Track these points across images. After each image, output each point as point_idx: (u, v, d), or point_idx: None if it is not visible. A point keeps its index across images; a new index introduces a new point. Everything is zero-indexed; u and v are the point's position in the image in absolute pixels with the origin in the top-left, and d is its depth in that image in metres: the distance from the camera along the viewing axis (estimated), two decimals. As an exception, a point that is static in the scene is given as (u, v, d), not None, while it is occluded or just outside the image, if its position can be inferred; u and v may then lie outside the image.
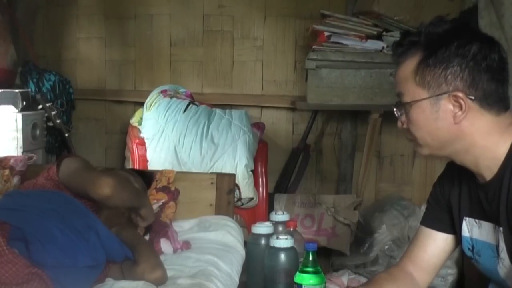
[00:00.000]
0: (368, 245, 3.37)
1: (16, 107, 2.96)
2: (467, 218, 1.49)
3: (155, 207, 2.27)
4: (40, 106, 3.08)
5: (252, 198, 3.09)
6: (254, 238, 1.83)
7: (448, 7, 3.23)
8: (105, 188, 1.75)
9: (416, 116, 1.38)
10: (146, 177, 2.27)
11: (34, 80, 3.34)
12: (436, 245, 1.57)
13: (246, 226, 2.83)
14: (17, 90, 3.01)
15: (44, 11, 3.82)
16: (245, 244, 2.07)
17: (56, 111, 3.12)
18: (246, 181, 3.05)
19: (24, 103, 2.99)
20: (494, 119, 1.35)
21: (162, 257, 1.90)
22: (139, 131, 3.21)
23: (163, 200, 2.32)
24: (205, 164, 3.04)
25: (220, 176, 2.51)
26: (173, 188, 2.38)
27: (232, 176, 2.54)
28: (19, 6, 3.53)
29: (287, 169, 3.68)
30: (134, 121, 3.31)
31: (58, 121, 3.11)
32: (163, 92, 3.29)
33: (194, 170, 2.97)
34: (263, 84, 3.78)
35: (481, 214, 1.44)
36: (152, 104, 3.21)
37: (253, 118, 3.55)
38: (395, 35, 3.21)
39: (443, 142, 1.38)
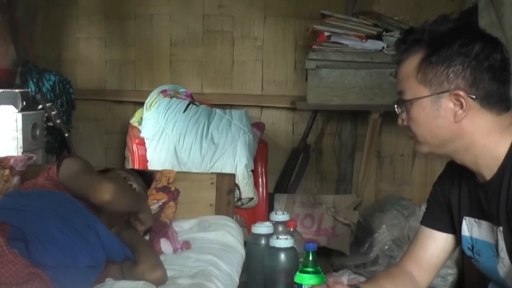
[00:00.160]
0: (368, 245, 3.36)
1: (16, 107, 2.96)
2: (467, 218, 1.49)
3: (155, 207, 2.27)
4: (40, 106, 3.08)
5: (252, 198, 3.09)
6: (254, 238, 1.83)
7: (448, 7, 3.23)
8: (105, 193, 1.75)
9: (416, 114, 1.38)
10: (146, 177, 2.27)
11: (34, 80, 3.34)
12: (436, 244, 1.57)
13: (246, 226, 2.83)
14: (17, 90, 3.01)
15: (44, 11, 3.82)
16: (245, 244, 2.07)
17: (56, 111, 3.12)
18: (246, 181, 3.05)
19: (24, 103, 2.99)
20: (495, 119, 1.35)
21: (162, 257, 1.90)
22: (139, 131, 3.21)
23: (163, 200, 2.32)
24: (205, 164, 3.04)
25: (220, 176, 2.51)
26: (173, 188, 2.38)
27: (232, 176, 2.54)
28: (19, 6, 3.53)
29: (287, 169, 3.68)
30: (134, 121, 3.31)
31: (58, 121, 3.11)
32: (163, 92, 3.29)
33: (194, 170, 2.97)
34: (263, 84, 3.78)
35: (480, 214, 1.45)
36: (152, 104, 3.21)
37: (253, 118, 3.55)
38: (395, 35, 3.21)
39: (443, 141, 1.38)
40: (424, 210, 1.64)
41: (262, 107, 3.79)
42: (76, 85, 3.73)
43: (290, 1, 3.72)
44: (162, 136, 3.11)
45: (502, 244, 1.38)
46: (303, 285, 1.51)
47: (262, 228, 1.83)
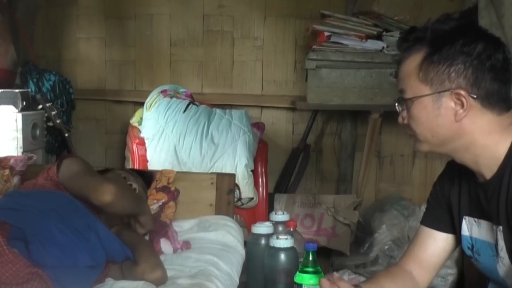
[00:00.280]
0: (368, 245, 3.37)
1: (16, 107, 2.96)
2: (466, 217, 1.49)
3: (155, 207, 2.27)
4: (40, 106, 3.08)
5: (252, 198, 3.09)
6: (254, 238, 1.83)
7: (448, 7, 3.23)
8: (106, 195, 1.74)
9: (417, 112, 1.38)
10: (146, 177, 2.27)
11: (34, 80, 3.34)
12: (436, 244, 1.57)
13: (246, 226, 2.83)
14: (17, 90, 3.01)
15: (44, 11, 3.82)
16: (245, 244, 2.07)
17: (56, 111, 3.11)
18: (246, 181, 3.05)
19: (24, 103, 2.99)
20: (496, 119, 1.35)
21: (162, 257, 1.90)
22: (139, 131, 3.21)
23: (163, 200, 2.32)
24: (205, 164, 3.04)
25: (220, 176, 2.51)
26: (173, 188, 2.38)
27: (232, 176, 2.54)
28: (19, 6, 3.52)
29: (287, 169, 3.68)
30: (134, 121, 3.31)
31: (58, 121, 3.11)
32: (163, 92, 3.29)
33: (194, 170, 2.97)
34: (263, 84, 3.78)
35: (480, 213, 1.45)
36: (152, 104, 3.21)
37: (253, 118, 3.55)
38: (395, 35, 3.21)
39: (443, 139, 1.38)
40: (424, 210, 1.64)
41: (262, 107, 3.79)
42: (76, 85, 3.73)
43: (290, 1, 3.72)
44: (162, 136, 3.11)
45: (502, 244, 1.38)
46: (303, 285, 1.51)
47: (262, 228, 1.83)
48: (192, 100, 3.35)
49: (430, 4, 3.30)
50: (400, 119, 1.44)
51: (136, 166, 3.12)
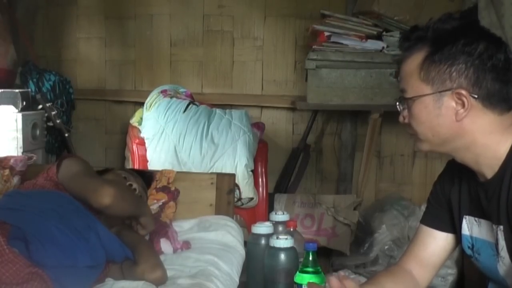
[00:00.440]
0: (368, 245, 3.37)
1: (16, 107, 2.96)
2: (467, 217, 1.49)
3: (155, 207, 2.27)
4: (40, 106, 3.08)
5: (252, 198, 3.09)
6: (254, 238, 1.83)
7: (448, 7, 3.22)
8: (104, 197, 1.74)
9: (418, 112, 1.38)
10: (146, 177, 2.26)
11: (34, 80, 3.34)
12: (436, 243, 1.57)
13: (246, 226, 2.83)
14: (17, 90, 3.01)
15: (44, 11, 3.82)
16: (245, 244, 2.07)
17: (56, 111, 3.12)
18: (246, 181, 3.05)
19: (24, 103, 2.99)
20: (497, 118, 1.35)
21: (162, 257, 1.90)
22: (139, 131, 3.21)
23: (163, 200, 2.32)
24: (205, 164, 3.04)
25: (220, 176, 2.51)
26: (173, 188, 2.38)
27: (232, 176, 2.54)
28: (19, 6, 3.52)
29: (287, 169, 3.68)
30: (134, 121, 3.31)
31: (58, 121, 3.11)
32: (163, 92, 3.29)
33: (194, 170, 2.97)
34: (263, 84, 3.78)
35: (480, 213, 1.45)
36: (152, 104, 3.21)
37: (253, 118, 3.55)
38: (395, 35, 3.21)
39: (444, 139, 1.38)
40: (424, 209, 1.64)
41: (262, 107, 3.79)
42: (76, 85, 3.73)
43: (290, 1, 3.72)
44: (162, 136, 3.11)
45: (502, 243, 1.38)
46: (303, 285, 1.51)
47: (262, 228, 1.83)
48: (192, 100, 3.35)
49: (430, 4, 3.30)
50: (401, 118, 1.44)
51: (136, 166, 3.12)
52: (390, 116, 3.26)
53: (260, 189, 3.21)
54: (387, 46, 3.23)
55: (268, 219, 1.91)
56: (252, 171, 3.11)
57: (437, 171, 1.70)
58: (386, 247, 3.34)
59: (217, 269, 1.95)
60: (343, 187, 3.71)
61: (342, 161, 3.74)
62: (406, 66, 1.41)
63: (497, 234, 1.39)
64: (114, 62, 3.84)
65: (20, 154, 2.80)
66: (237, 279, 2.03)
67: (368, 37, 3.28)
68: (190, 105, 3.21)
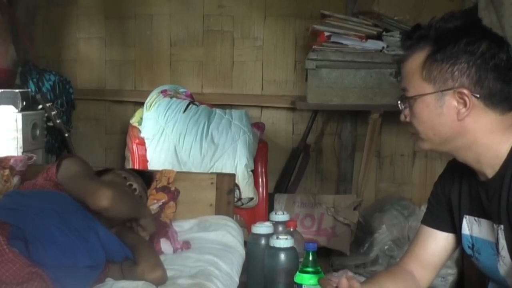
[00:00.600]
0: (368, 245, 3.37)
1: (16, 107, 2.96)
2: (467, 216, 1.49)
3: (155, 207, 2.27)
4: (40, 106, 3.08)
5: (252, 198, 3.09)
6: (254, 238, 1.83)
7: (448, 7, 3.22)
8: (103, 200, 1.73)
9: (420, 111, 1.38)
10: (146, 177, 2.26)
11: (34, 80, 3.34)
12: (436, 244, 1.57)
13: (246, 226, 2.83)
14: (17, 90, 3.01)
15: (44, 11, 3.82)
16: (245, 244, 2.07)
17: (56, 111, 3.12)
18: (246, 181, 3.05)
19: (24, 103, 2.99)
20: (498, 118, 1.35)
21: (162, 257, 1.90)
22: (139, 131, 3.21)
23: (163, 200, 2.32)
24: (205, 164, 3.04)
25: (220, 176, 2.51)
26: (173, 188, 2.38)
27: (232, 176, 2.54)
28: (19, 6, 3.52)
29: (287, 169, 3.68)
30: (134, 121, 3.31)
31: (58, 121, 3.11)
32: (163, 92, 3.29)
33: (194, 170, 2.97)
34: (263, 84, 3.78)
35: (480, 212, 1.45)
36: (152, 104, 3.21)
37: (253, 118, 3.55)
38: (395, 35, 3.21)
39: (445, 138, 1.38)
40: (424, 210, 1.64)
41: (262, 107, 3.79)
42: (76, 85, 3.73)
43: (290, 1, 3.72)
44: (162, 136, 3.11)
45: (503, 243, 1.38)
46: (303, 285, 1.50)
47: (262, 228, 1.82)
48: (192, 100, 3.35)
49: (430, 4, 3.30)
50: (402, 117, 1.44)
51: (136, 166, 3.12)
52: (390, 116, 3.26)
53: (260, 189, 3.21)
54: (387, 46, 3.23)
55: (268, 219, 1.91)
56: (252, 171, 3.11)
57: (437, 171, 1.70)
58: (386, 247, 3.34)
59: (217, 269, 1.95)
60: (343, 187, 3.71)
61: (342, 161, 3.74)
62: (408, 65, 1.40)
63: (497, 234, 1.39)
64: (114, 62, 3.84)
65: (20, 154, 2.80)
66: (237, 279, 2.03)
67: (368, 37, 3.28)
68: (190, 105, 3.21)
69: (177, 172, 2.50)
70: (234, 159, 3.05)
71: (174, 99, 3.23)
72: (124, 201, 1.83)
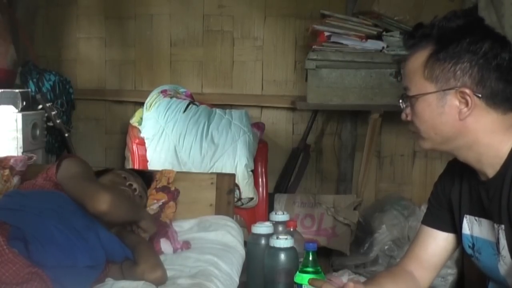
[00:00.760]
0: (368, 245, 3.37)
1: (16, 107, 2.96)
2: (467, 216, 1.49)
3: (155, 207, 2.27)
4: (40, 106, 3.08)
5: (252, 198, 3.09)
6: (254, 238, 1.83)
7: (448, 7, 3.22)
8: (102, 204, 1.73)
9: (421, 110, 1.38)
10: (146, 177, 2.26)
11: (34, 80, 3.34)
12: (437, 244, 1.57)
13: (246, 226, 2.83)
14: (17, 90, 3.01)
15: (44, 11, 3.82)
16: (245, 244, 2.07)
17: (56, 111, 3.12)
18: (246, 181, 3.05)
19: (24, 103, 2.99)
20: (500, 118, 1.35)
21: (162, 257, 1.90)
22: (139, 131, 3.21)
23: (163, 200, 2.32)
24: (205, 164, 3.04)
25: (220, 176, 2.50)
26: (173, 188, 2.38)
27: (232, 176, 2.54)
28: (19, 6, 3.52)
29: (287, 169, 3.68)
30: (134, 121, 3.31)
31: (58, 121, 3.11)
32: (163, 92, 3.29)
33: (194, 170, 2.97)
34: (263, 84, 3.78)
35: (481, 212, 1.45)
36: (152, 104, 3.21)
37: (253, 118, 3.55)
38: (395, 35, 3.21)
39: (446, 137, 1.38)
40: (424, 210, 1.64)
41: (262, 107, 3.79)
42: (76, 85, 3.73)
43: (290, 1, 3.72)
44: (162, 136, 3.11)
45: (503, 242, 1.38)
46: (303, 285, 1.51)
47: (262, 228, 1.82)
48: (192, 100, 3.35)
49: (430, 4, 3.30)
50: (403, 116, 1.44)
51: (136, 166, 3.12)
52: (390, 116, 3.26)
53: (260, 189, 3.21)
54: (387, 46, 3.23)
55: (268, 219, 1.91)
56: (252, 171, 3.11)
57: (437, 171, 1.70)
58: (386, 247, 3.34)
59: (217, 269, 1.95)
60: (343, 187, 3.71)
61: (342, 161, 3.74)
62: (410, 63, 1.40)
63: (498, 233, 1.39)
64: (114, 62, 3.84)
65: (20, 154, 2.80)
66: (237, 279, 2.03)
67: (368, 37, 3.28)
68: (190, 105, 3.21)
69: (177, 172, 2.50)
70: (234, 159, 3.05)
71: (174, 99, 3.23)
72: (123, 205, 1.83)
